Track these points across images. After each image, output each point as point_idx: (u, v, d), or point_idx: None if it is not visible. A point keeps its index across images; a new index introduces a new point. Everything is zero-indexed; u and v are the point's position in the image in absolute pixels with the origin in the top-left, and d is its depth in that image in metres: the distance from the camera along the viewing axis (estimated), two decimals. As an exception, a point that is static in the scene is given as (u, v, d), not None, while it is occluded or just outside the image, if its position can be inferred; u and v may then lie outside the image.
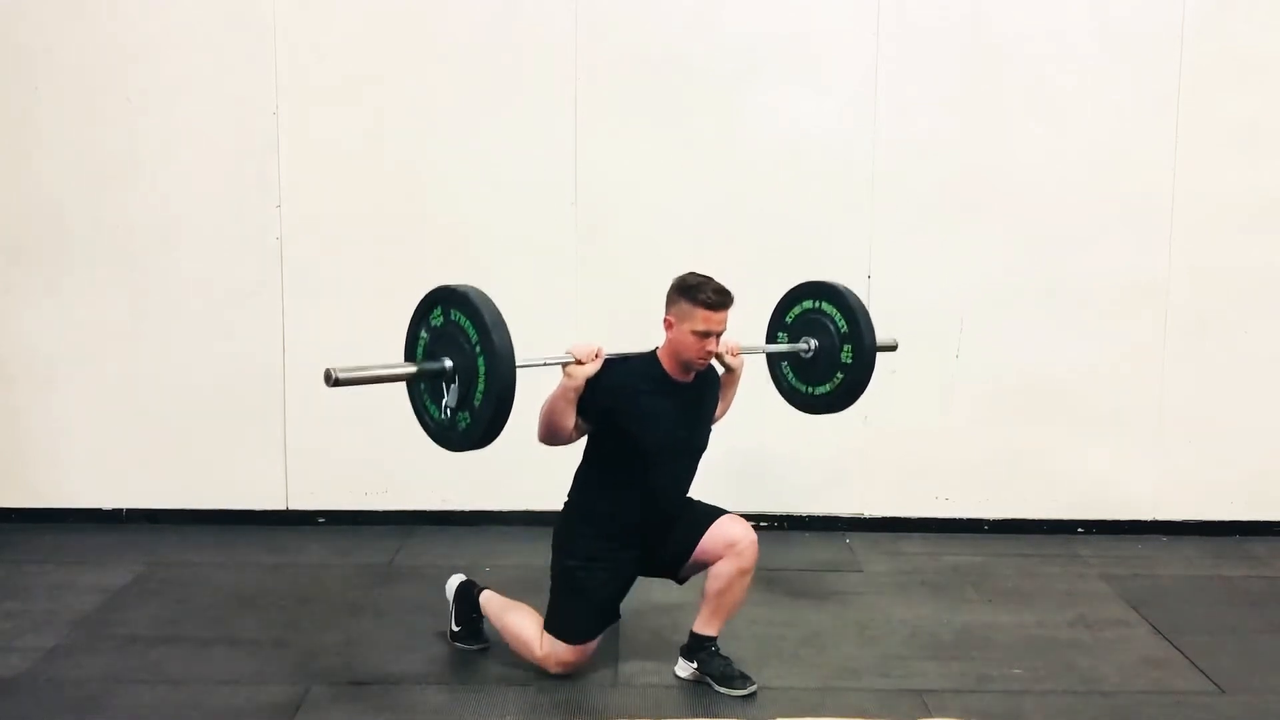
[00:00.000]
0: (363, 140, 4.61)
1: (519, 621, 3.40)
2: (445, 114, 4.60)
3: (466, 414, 2.85)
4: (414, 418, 4.89)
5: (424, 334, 2.96)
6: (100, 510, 4.76)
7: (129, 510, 4.77)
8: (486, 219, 4.64)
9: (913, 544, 4.64)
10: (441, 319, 2.90)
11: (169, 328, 4.66)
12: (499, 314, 2.81)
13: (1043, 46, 4.60)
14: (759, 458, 4.73)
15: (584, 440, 3.32)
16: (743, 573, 3.27)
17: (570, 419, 3.14)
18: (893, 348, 3.89)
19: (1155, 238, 4.65)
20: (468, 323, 2.82)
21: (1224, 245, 4.66)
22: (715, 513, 3.35)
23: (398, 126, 4.59)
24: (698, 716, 3.16)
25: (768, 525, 4.78)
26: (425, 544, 4.58)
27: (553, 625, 3.31)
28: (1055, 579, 4.29)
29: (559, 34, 4.55)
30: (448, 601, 3.61)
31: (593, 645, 3.33)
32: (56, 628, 3.69)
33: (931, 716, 3.18)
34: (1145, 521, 4.79)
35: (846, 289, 3.71)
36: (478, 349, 2.79)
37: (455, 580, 3.63)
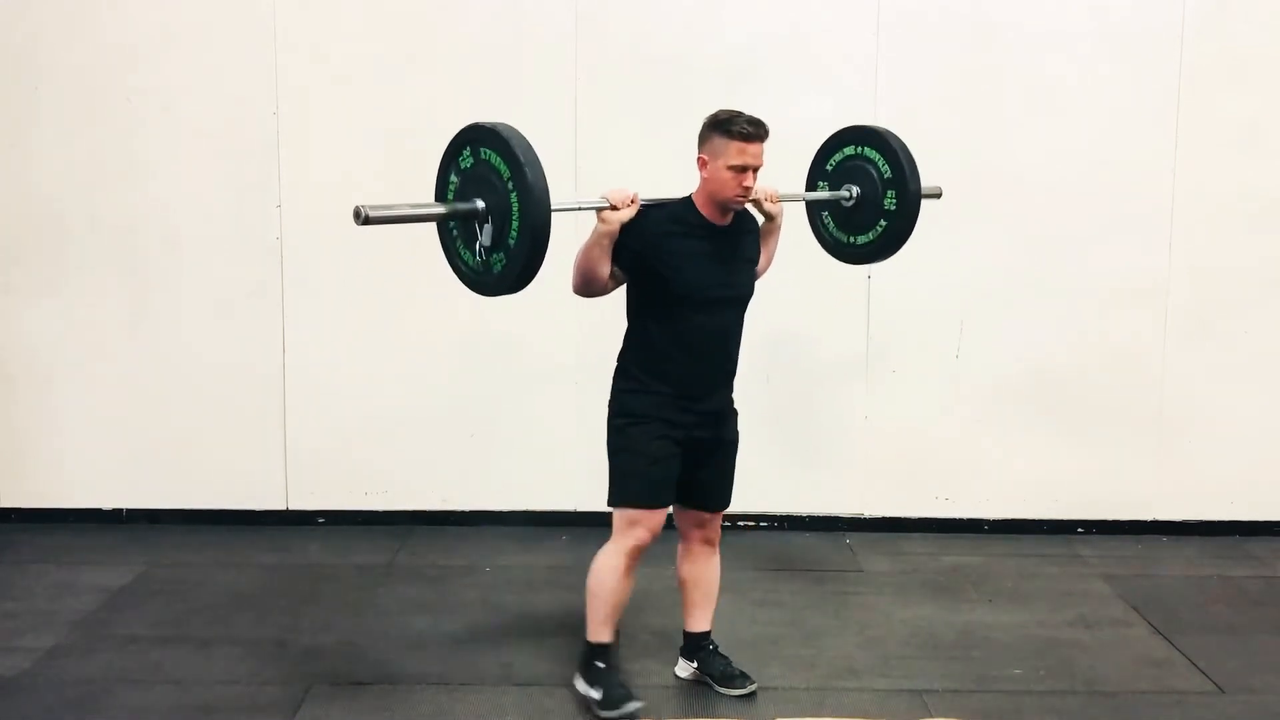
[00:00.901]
0: (363, 140, 4.60)
1: (591, 571, 3.16)
2: (445, 114, 4.56)
3: (501, 254, 2.71)
4: (414, 418, 4.91)
5: (454, 178, 2.82)
6: (100, 510, 4.76)
7: (129, 510, 4.77)
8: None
9: (913, 544, 4.64)
10: (471, 160, 2.77)
11: (169, 328, 4.66)
12: (531, 148, 2.69)
13: (1043, 46, 4.60)
14: (759, 457, 4.72)
15: (625, 292, 3.18)
16: (705, 556, 3.26)
17: (605, 266, 3.00)
18: (937, 195, 3.70)
19: (1155, 238, 4.65)
20: (499, 159, 2.68)
21: (1224, 245, 4.66)
22: (725, 498, 3.29)
23: (398, 126, 4.59)
24: (698, 717, 3.16)
25: (768, 525, 4.78)
26: (425, 544, 4.58)
27: (616, 494, 3.12)
28: (1055, 579, 4.29)
29: (559, 34, 4.55)
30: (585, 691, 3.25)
31: (659, 518, 3.11)
32: (56, 628, 3.69)
33: (931, 716, 3.18)
34: (1145, 521, 4.79)
35: (890, 133, 3.53)
36: (510, 185, 2.66)
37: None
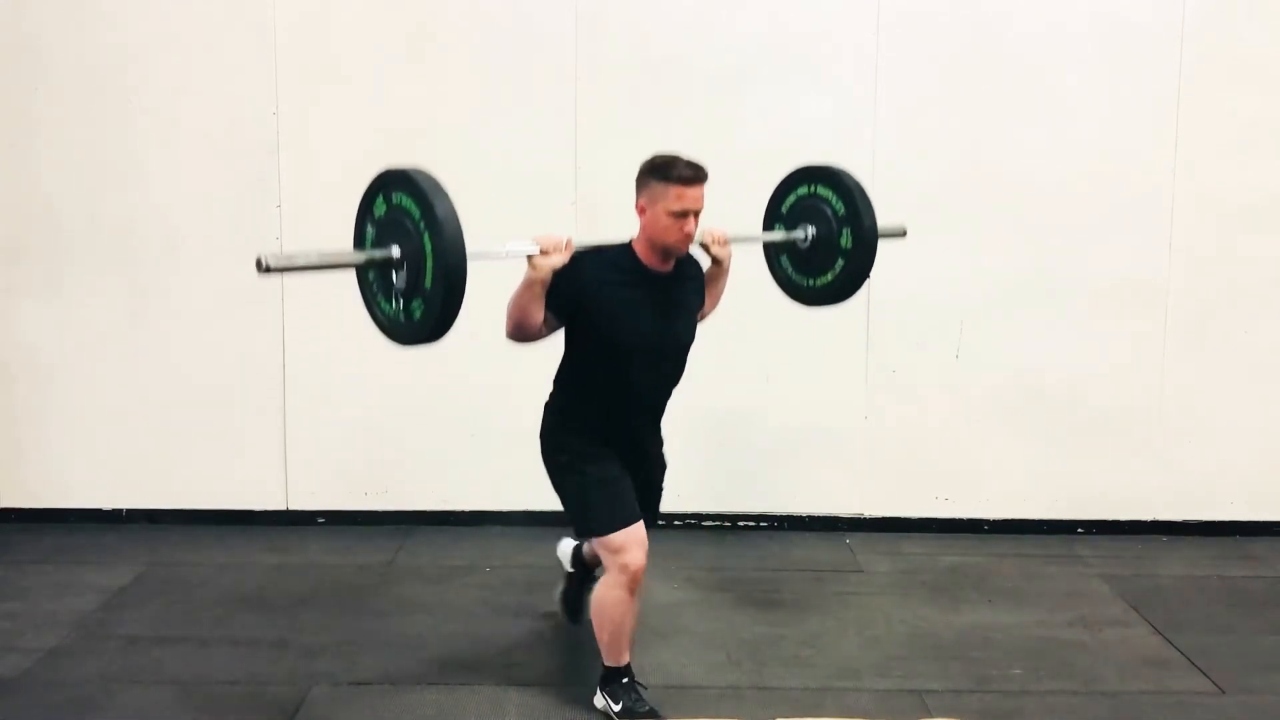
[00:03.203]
0: (363, 140, 4.60)
1: (593, 605, 3.13)
2: (445, 114, 4.59)
3: (419, 299, 2.64)
4: (414, 418, 4.91)
5: (370, 228, 2.76)
6: (100, 510, 4.76)
7: (129, 510, 4.77)
8: (487, 218, 4.59)
9: (913, 544, 4.64)
10: (384, 207, 2.71)
11: (169, 328, 4.66)
12: (442, 190, 2.61)
13: (1043, 46, 4.60)
14: (759, 457, 4.73)
15: (563, 335, 3.15)
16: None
17: (538, 313, 2.91)
18: (901, 234, 3.59)
19: (1155, 237, 4.65)
20: (410, 202, 2.62)
21: (1224, 245, 4.66)
22: (652, 512, 3.23)
23: (398, 126, 4.59)
24: (698, 717, 3.16)
25: (768, 525, 4.78)
26: (425, 544, 4.58)
27: (586, 527, 3.07)
28: (1055, 579, 4.29)
29: (559, 34, 4.55)
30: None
31: (641, 527, 3.04)
32: (56, 628, 3.69)
33: (931, 716, 3.18)
34: (1145, 521, 4.79)
35: (843, 170, 3.44)
36: (422, 226, 2.59)
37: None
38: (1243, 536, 4.76)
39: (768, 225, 3.61)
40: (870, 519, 4.80)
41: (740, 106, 4.61)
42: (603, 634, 3.09)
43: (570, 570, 3.59)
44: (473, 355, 4.68)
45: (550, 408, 3.18)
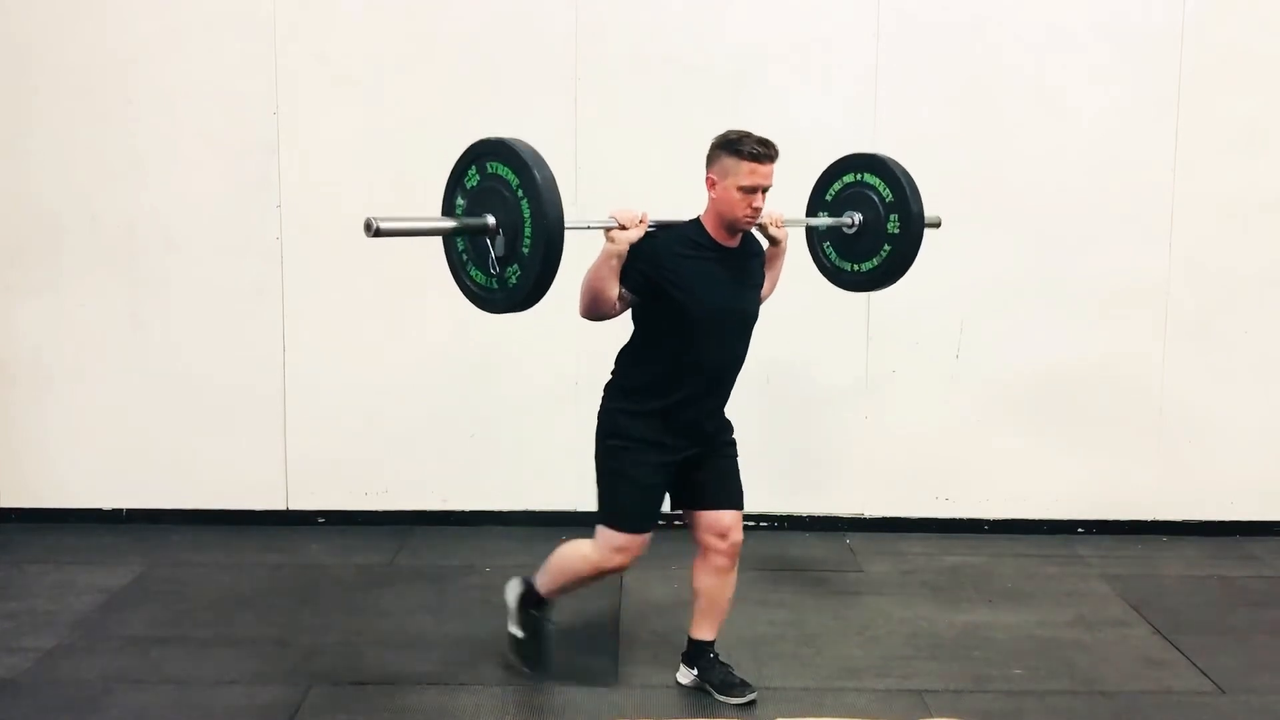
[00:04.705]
0: (363, 140, 4.60)
1: (565, 549, 3.24)
2: (445, 113, 4.59)
3: (516, 265, 2.67)
4: (414, 418, 4.91)
5: (460, 200, 2.80)
6: (100, 510, 4.76)
7: (129, 510, 4.77)
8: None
9: (913, 544, 4.64)
10: (477, 177, 2.74)
11: (169, 328, 4.66)
12: (539, 155, 2.66)
13: (1043, 48, 4.60)
14: (760, 457, 4.71)
15: (630, 314, 3.16)
16: (723, 571, 3.22)
17: (614, 288, 2.96)
18: (937, 224, 3.66)
19: (1155, 238, 4.65)
20: (507, 170, 2.66)
21: (1224, 245, 4.66)
22: (734, 498, 3.26)
23: (398, 126, 4.59)
24: (698, 717, 3.16)
25: (768, 525, 4.78)
26: (425, 544, 4.58)
27: (604, 514, 3.15)
28: (1055, 579, 4.29)
29: (559, 34, 4.55)
30: (508, 606, 3.39)
31: (643, 539, 3.14)
32: (56, 628, 3.69)
33: (931, 716, 3.18)
34: (1145, 521, 4.79)
35: (891, 159, 3.53)
36: (520, 193, 2.63)
37: (515, 586, 3.40)
38: (1243, 536, 4.76)
39: (811, 211, 3.70)
40: (870, 519, 4.80)
41: (740, 107, 4.59)
42: (554, 574, 3.25)
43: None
44: (473, 355, 4.70)
45: (613, 386, 3.19)
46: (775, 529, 4.78)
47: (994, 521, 4.79)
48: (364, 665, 3.45)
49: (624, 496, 3.12)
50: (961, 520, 4.79)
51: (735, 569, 3.26)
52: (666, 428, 3.11)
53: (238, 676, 3.36)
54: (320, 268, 4.63)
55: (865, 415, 4.71)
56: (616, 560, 3.13)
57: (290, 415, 4.70)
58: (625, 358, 3.19)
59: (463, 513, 4.78)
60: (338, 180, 4.61)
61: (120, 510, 4.77)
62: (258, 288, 4.65)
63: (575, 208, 4.58)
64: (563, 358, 4.60)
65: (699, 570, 3.25)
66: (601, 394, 3.20)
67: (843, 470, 4.78)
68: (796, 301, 4.53)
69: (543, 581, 3.29)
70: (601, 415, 3.18)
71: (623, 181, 4.61)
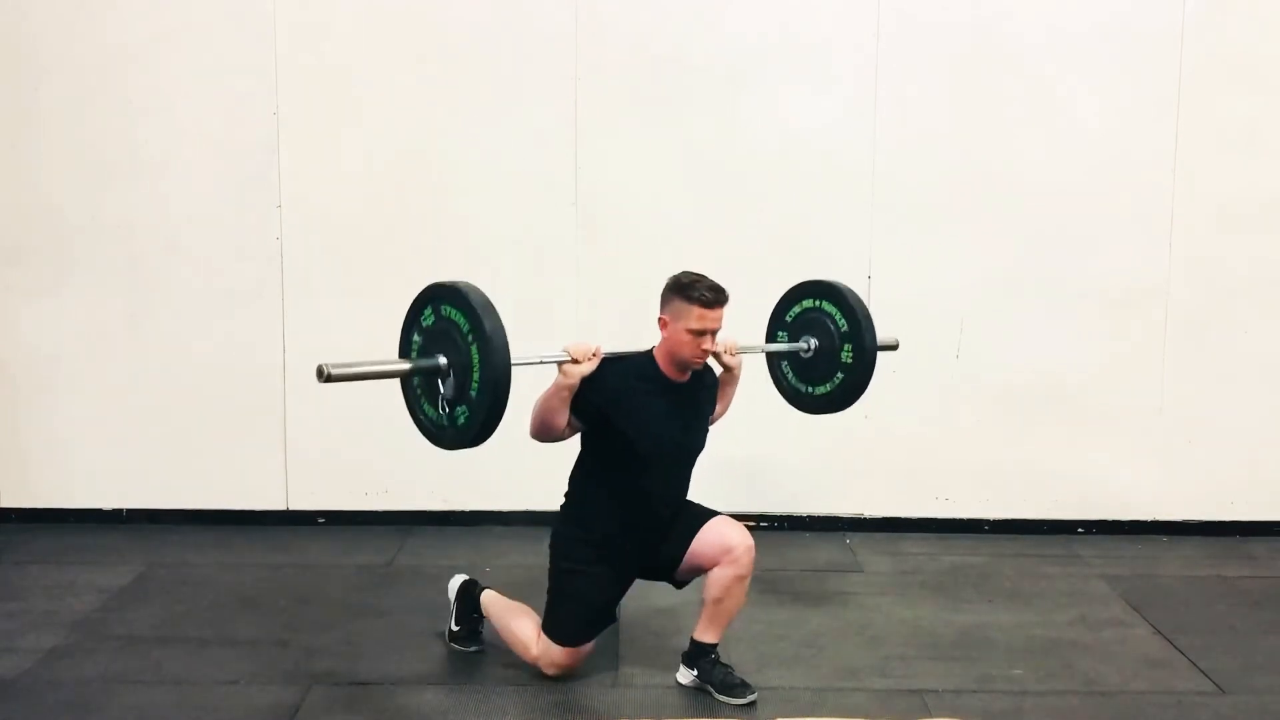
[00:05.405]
0: (363, 140, 4.61)
1: (518, 622, 3.40)
2: (445, 114, 4.59)
3: (464, 407, 2.83)
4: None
5: (417, 337, 2.95)
6: (100, 510, 4.76)
7: (129, 510, 4.77)
8: (487, 218, 4.64)
9: (913, 544, 4.64)
10: (433, 318, 2.89)
11: (169, 328, 4.66)
12: (489, 302, 2.79)
13: (1043, 47, 4.60)
14: (759, 457, 4.73)
15: (580, 438, 3.30)
16: (740, 579, 3.25)
17: (563, 417, 3.12)
18: (894, 347, 3.86)
19: (1155, 238, 4.65)
20: (459, 314, 2.80)
21: (1224, 245, 4.66)
22: (708, 515, 3.33)
23: (398, 126, 4.59)
24: (698, 717, 3.16)
25: (768, 525, 4.78)
26: (425, 544, 4.58)
27: (547, 627, 3.30)
28: (1055, 579, 4.29)
29: (559, 33, 4.55)
30: (449, 601, 3.60)
31: (586, 649, 3.32)
32: (56, 628, 3.69)
33: (931, 716, 3.18)
34: (1145, 521, 4.79)
35: (847, 288, 3.68)
36: (470, 338, 2.77)
37: (457, 580, 3.63)
38: (1243, 536, 4.76)
39: (771, 332, 3.85)
40: (870, 519, 4.80)
41: (740, 106, 4.60)
42: (500, 629, 3.45)
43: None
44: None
45: (565, 511, 3.36)
46: (775, 529, 4.78)
47: (994, 521, 4.79)
48: (364, 665, 3.45)
49: (565, 617, 3.28)
50: (961, 520, 4.79)
51: (747, 583, 3.29)
52: (619, 547, 3.27)
53: (238, 676, 3.36)
54: (320, 268, 4.63)
55: (865, 415, 4.70)
56: (552, 671, 3.30)
57: (290, 415, 4.70)
58: (575, 482, 3.35)
59: (463, 513, 4.79)
60: (338, 180, 4.61)
61: (120, 510, 4.77)
62: (258, 288, 4.65)
63: (575, 208, 4.60)
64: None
65: (715, 574, 3.26)
66: (556, 515, 3.38)
67: (843, 470, 4.78)
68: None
69: (489, 614, 3.50)
70: (554, 539, 3.35)
71: (622, 182, 4.62)
